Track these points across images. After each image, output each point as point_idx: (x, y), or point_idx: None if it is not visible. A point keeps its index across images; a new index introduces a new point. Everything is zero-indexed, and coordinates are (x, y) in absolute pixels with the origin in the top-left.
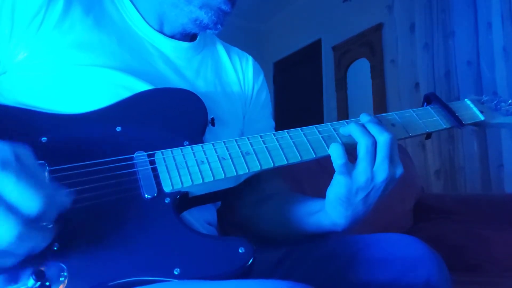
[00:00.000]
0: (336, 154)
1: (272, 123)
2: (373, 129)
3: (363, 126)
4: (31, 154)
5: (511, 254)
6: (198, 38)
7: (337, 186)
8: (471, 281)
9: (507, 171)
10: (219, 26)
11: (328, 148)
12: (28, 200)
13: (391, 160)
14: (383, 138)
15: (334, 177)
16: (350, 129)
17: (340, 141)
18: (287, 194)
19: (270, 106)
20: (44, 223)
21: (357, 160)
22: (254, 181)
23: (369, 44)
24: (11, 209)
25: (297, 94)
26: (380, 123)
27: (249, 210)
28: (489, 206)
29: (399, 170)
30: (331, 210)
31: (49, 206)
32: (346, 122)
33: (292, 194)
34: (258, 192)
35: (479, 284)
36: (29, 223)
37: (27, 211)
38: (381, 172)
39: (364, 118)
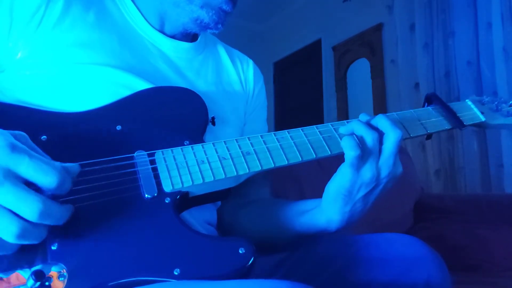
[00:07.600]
0: (350, 144)
1: (267, 128)
2: (385, 124)
3: (366, 123)
4: (27, 136)
5: (511, 254)
6: (199, 38)
7: (342, 179)
8: (471, 281)
9: (507, 171)
10: (220, 26)
11: (329, 149)
12: (45, 174)
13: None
14: (394, 134)
15: (339, 169)
16: (353, 126)
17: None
18: (271, 199)
19: (266, 111)
20: (62, 198)
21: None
22: (240, 185)
23: (369, 44)
24: (31, 186)
25: (297, 94)
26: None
27: (230, 215)
28: (489, 206)
29: (400, 169)
30: (328, 205)
31: (64, 176)
32: (346, 122)
33: (277, 199)
34: (241, 196)
35: (479, 284)
36: (49, 198)
37: (46, 185)
38: (386, 168)
39: (364, 116)
